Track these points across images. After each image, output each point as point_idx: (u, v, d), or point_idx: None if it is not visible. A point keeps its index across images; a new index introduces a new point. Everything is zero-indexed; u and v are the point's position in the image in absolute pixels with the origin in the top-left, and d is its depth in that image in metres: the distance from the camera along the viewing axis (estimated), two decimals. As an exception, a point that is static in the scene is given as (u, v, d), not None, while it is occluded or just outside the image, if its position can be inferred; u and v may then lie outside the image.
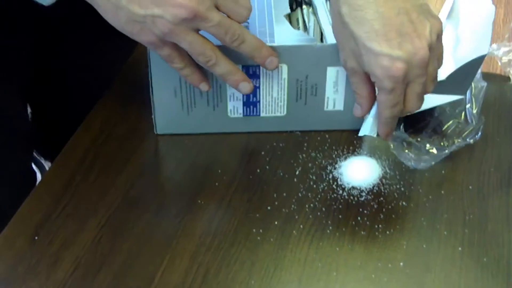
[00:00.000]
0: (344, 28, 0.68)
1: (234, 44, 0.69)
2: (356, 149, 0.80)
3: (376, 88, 0.72)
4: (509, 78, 0.91)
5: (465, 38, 0.84)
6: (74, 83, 0.99)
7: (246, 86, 0.74)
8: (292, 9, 0.85)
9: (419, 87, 0.69)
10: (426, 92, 0.71)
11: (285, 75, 0.78)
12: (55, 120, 1.04)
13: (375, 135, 0.77)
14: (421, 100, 0.72)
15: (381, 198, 0.75)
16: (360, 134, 0.77)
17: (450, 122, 0.83)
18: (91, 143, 0.81)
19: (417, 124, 0.83)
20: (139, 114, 0.83)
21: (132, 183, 0.76)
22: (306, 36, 0.78)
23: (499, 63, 0.91)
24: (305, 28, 0.82)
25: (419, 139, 0.80)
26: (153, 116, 0.80)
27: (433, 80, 0.71)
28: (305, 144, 0.81)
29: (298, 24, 0.82)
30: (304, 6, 0.84)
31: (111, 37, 0.74)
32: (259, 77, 0.78)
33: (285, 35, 0.77)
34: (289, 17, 0.82)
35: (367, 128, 0.76)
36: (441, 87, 0.78)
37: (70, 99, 1.00)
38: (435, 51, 0.69)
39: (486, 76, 0.88)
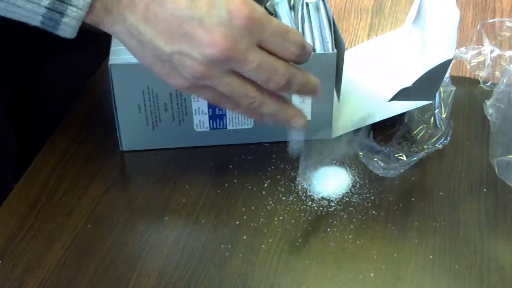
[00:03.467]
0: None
1: (281, 89, 0.58)
2: (326, 159, 0.79)
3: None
4: (478, 81, 0.90)
5: (431, 43, 0.83)
6: (55, 99, 0.97)
7: (299, 121, 0.64)
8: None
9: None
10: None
11: (249, 86, 0.77)
12: (40, 139, 1.02)
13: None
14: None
15: (351, 208, 0.74)
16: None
17: (419, 128, 0.83)
18: (57, 162, 0.80)
19: (386, 131, 0.82)
20: (105, 130, 0.82)
21: (98, 201, 0.75)
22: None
23: (468, 67, 0.91)
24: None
25: (388, 147, 0.79)
26: (118, 133, 0.79)
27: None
28: (274, 156, 0.80)
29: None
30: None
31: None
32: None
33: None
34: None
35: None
36: (408, 93, 0.78)
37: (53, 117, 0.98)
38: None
39: (455, 80, 0.88)
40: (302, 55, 0.58)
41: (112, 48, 0.75)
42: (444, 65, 0.77)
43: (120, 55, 0.74)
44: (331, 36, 0.78)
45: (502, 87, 0.77)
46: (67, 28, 0.56)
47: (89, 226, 0.72)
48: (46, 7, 0.55)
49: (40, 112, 0.91)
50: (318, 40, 0.79)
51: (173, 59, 0.55)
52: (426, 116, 0.84)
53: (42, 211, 0.74)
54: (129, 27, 0.55)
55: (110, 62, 0.74)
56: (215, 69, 0.55)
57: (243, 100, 0.58)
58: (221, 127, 0.79)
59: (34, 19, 0.56)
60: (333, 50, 0.76)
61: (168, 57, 0.55)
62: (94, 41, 0.78)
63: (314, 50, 0.77)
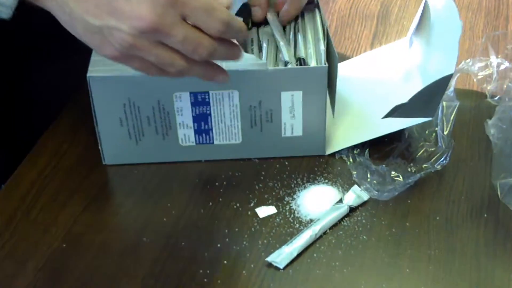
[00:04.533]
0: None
1: (205, 59, 0.61)
2: (317, 177, 0.75)
3: None
4: (485, 95, 0.85)
5: (433, 56, 0.78)
6: (40, 111, 0.94)
7: (221, 79, 0.65)
8: (248, 28, 0.79)
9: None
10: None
11: (236, 101, 0.73)
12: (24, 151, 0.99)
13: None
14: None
15: (340, 232, 0.70)
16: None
17: (419, 145, 0.78)
18: (37, 176, 0.76)
19: (383, 148, 0.78)
20: (88, 143, 0.78)
21: (75, 219, 0.72)
22: (258, 60, 0.73)
23: (475, 80, 0.86)
24: (260, 49, 0.77)
25: (383, 166, 0.75)
26: (99, 147, 0.76)
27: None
28: (263, 173, 0.76)
29: (252, 44, 0.77)
30: (261, 26, 0.79)
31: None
32: (209, 104, 0.73)
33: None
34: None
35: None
36: (404, 110, 0.73)
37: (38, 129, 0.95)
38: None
39: (461, 93, 0.83)
40: (226, 32, 0.60)
41: (92, 58, 0.72)
42: (444, 80, 0.72)
43: (99, 66, 0.71)
44: (325, 49, 0.73)
45: (505, 106, 0.72)
46: (3, 8, 0.60)
47: (64, 245, 0.69)
48: None
49: (24, 123, 0.87)
50: (312, 52, 0.74)
51: (103, 31, 0.59)
52: (427, 132, 0.79)
53: (17, 228, 0.71)
54: (61, 3, 0.59)
55: (89, 74, 0.70)
56: (143, 40, 0.58)
57: (170, 68, 0.61)
58: (208, 142, 0.76)
59: None
60: (324, 63, 0.72)
61: (98, 29, 0.59)
62: (79, 51, 0.75)
63: (305, 64, 0.73)
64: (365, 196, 0.72)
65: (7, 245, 0.69)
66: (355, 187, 0.73)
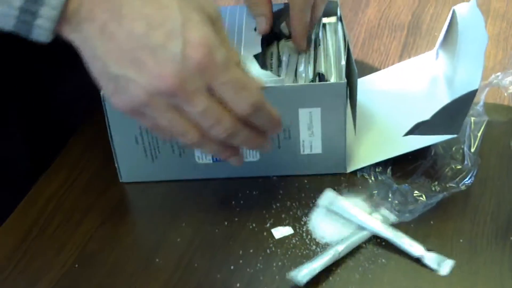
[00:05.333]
0: None
1: (222, 140, 0.56)
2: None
3: None
4: (516, 110, 0.82)
5: (458, 70, 0.75)
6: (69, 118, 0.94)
7: (236, 160, 0.62)
8: (268, 42, 0.78)
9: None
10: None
11: (253, 118, 0.71)
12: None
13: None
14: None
15: (359, 255, 0.67)
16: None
17: (445, 163, 0.75)
18: (54, 192, 0.76)
19: (407, 166, 0.75)
20: (105, 160, 0.77)
21: (91, 236, 0.71)
22: (275, 76, 0.71)
23: (506, 94, 0.82)
24: (280, 63, 0.75)
25: (407, 185, 0.72)
26: (116, 164, 0.75)
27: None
28: (280, 192, 0.74)
29: (271, 59, 0.75)
30: (281, 40, 0.78)
31: None
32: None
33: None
34: (262, 53, 0.75)
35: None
36: (426, 127, 0.70)
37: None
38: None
39: (490, 108, 0.79)
40: (254, 116, 0.55)
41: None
42: (469, 96, 0.69)
43: (113, 83, 0.70)
44: (346, 64, 0.71)
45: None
46: (41, 31, 0.53)
47: (78, 263, 0.68)
48: (19, 8, 0.52)
49: (44, 138, 0.87)
50: (332, 67, 0.72)
51: (119, 80, 0.53)
52: (453, 149, 0.76)
53: (32, 245, 0.71)
54: (85, 38, 0.53)
55: (103, 92, 0.70)
56: (159, 101, 0.53)
57: (181, 138, 0.57)
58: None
59: (7, 23, 0.53)
60: (343, 79, 0.70)
61: (114, 77, 0.53)
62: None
63: (325, 80, 0.71)
64: (393, 218, 0.70)
65: (20, 263, 0.69)
66: (383, 209, 0.71)
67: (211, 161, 0.74)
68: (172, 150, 0.73)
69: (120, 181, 0.76)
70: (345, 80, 0.69)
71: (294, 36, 0.75)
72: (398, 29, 0.97)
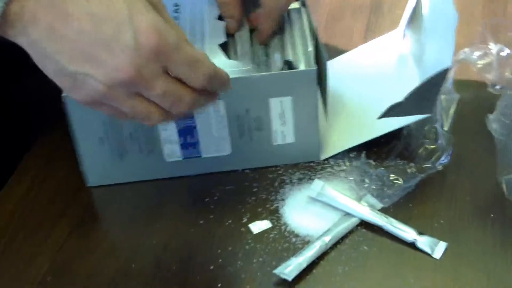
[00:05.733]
0: None
1: (184, 113, 0.57)
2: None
3: None
4: (486, 84, 0.80)
5: (428, 49, 0.74)
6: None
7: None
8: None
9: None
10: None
11: (223, 111, 0.69)
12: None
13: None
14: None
15: (341, 243, 0.66)
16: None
17: (419, 143, 0.74)
18: (19, 202, 0.73)
19: (381, 149, 0.74)
20: (69, 165, 0.74)
21: (61, 246, 0.68)
22: (243, 66, 0.69)
23: (474, 69, 0.81)
24: (245, 52, 0.73)
25: (382, 169, 0.71)
26: (82, 168, 0.72)
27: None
28: (255, 185, 0.72)
29: (236, 48, 0.72)
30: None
31: None
32: (193, 117, 0.69)
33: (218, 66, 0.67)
34: (227, 44, 0.72)
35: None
36: (401, 109, 0.69)
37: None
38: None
39: (460, 85, 0.78)
40: (210, 85, 0.56)
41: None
42: (442, 75, 0.68)
43: (74, 85, 0.67)
44: (314, 50, 0.69)
45: (507, 100, 0.67)
46: None
47: (48, 278, 0.65)
48: None
49: (12, 134, 0.83)
50: (300, 55, 0.70)
51: (76, 77, 0.53)
52: (426, 128, 0.75)
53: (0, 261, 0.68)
54: (33, 41, 0.53)
55: (64, 93, 0.67)
56: (119, 91, 0.54)
57: (145, 121, 0.57)
58: (195, 155, 0.72)
59: None
60: (313, 66, 0.68)
61: (70, 74, 0.53)
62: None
63: (294, 67, 0.69)
64: (379, 204, 0.68)
65: (-10, 279, 0.66)
66: (368, 196, 0.69)
67: (181, 158, 0.72)
68: (140, 150, 0.71)
69: (87, 185, 0.73)
70: (316, 67, 0.68)
71: (260, 30, 0.73)
72: (360, 10, 0.96)
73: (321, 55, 0.68)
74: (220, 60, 0.69)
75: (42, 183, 0.74)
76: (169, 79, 0.54)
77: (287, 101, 0.69)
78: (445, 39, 0.69)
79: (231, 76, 0.67)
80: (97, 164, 0.71)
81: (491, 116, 0.69)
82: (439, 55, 0.69)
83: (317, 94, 0.70)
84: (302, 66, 0.69)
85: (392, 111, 0.69)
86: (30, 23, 0.52)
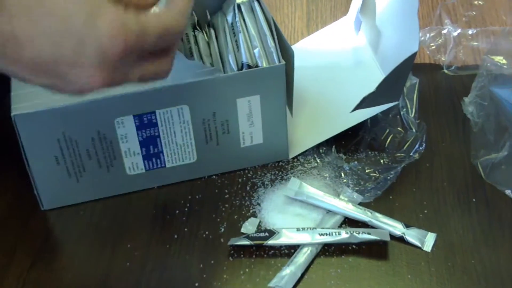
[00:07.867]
0: None
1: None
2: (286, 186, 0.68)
3: None
4: (440, 66, 0.79)
5: (390, 36, 0.72)
6: None
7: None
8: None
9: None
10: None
11: (187, 117, 0.64)
12: None
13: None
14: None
15: (328, 246, 0.63)
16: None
17: (386, 131, 0.72)
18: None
19: (349, 143, 0.71)
20: (18, 189, 0.67)
21: (24, 280, 0.61)
22: (206, 67, 0.64)
23: (427, 51, 0.80)
24: (200, 54, 0.68)
25: (356, 162, 0.68)
26: (35, 191, 0.65)
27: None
28: (226, 191, 0.68)
29: (192, 53, 0.68)
30: (203, 30, 0.70)
31: None
32: (156, 125, 0.64)
33: (179, 70, 0.62)
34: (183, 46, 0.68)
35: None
36: (372, 99, 0.67)
37: None
38: None
39: (415, 68, 0.76)
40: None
41: (13, 93, 0.61)
42: (409, 60, 0.66)
43: (23, 101, 0.60)
44: (275, 44, 0.65)
45: (482, 81, 0.66)
46: None
47: (16, 316, 0.59)
48: None
49: None
50: (260, 51, 0.66)
51: (50, 87, 0.49)
52: (390, 116, 0.73)
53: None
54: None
55: (13, 113, 0.60)
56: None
57: None
58: (159, 166, 0.67)
59: None
60: (280, 61, 0.64)
61: (44, 85, 0.49)
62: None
63: (257, 65, 0.65)
64: (359, 198, 0.66)
65: None
66: (346, 190, 0.66)
67: (144, 170, 0.67)
68: (99, 165, 0.65)
69: (42, 209, 0.67)
70: (284, 62, 0.64)
71: None
72: (297, -3, 0.93)
73: (286, 48, 0.64)
74: (181, 62, 0.64)
75: (-10, 212, 0.67)
76: (143, 65, 0.51)
77: (255, 100, 0.65)
78: (408, 23, 0.67)
79: (195, 79, 0.63)
80: (53, 185, 0.65)
81: (466, 100, 0.67)
82: (406, 40, 0.67)
83: (285, 92, 0.66)
84: (264, 64, 0.65)
85: (365, 102, 0.67)
86: None
